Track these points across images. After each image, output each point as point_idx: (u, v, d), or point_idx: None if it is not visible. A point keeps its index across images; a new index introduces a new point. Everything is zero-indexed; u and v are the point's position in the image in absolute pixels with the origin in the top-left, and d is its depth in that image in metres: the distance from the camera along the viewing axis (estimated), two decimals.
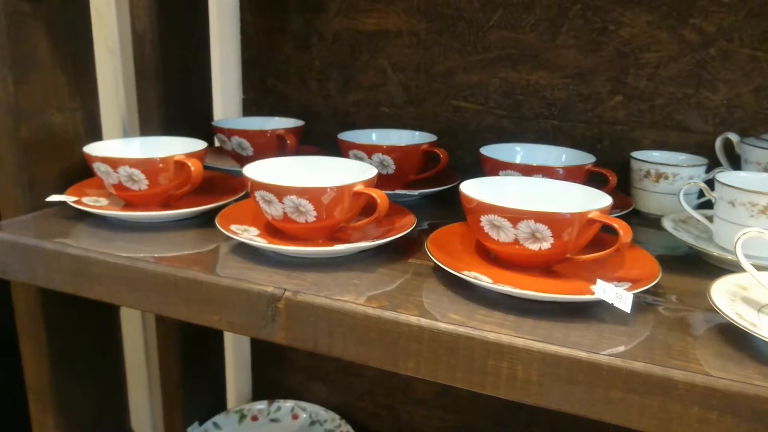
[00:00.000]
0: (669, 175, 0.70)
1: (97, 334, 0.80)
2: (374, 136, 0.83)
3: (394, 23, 0.89)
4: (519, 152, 0.76)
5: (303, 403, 1.09)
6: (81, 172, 0.73)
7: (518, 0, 0.81)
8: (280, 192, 0.54)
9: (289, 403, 1.09)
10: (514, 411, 0.97)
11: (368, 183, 0.57)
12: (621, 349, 0.42)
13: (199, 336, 1.03)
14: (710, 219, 0.62)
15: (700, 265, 0.59)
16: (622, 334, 0.45)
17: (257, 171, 0.60)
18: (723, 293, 0.47)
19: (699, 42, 0.75)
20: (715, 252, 0.57)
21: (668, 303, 0.50)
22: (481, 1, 0.83)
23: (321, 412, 1.08)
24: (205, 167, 0.82)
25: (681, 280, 0.55)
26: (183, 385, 1.01)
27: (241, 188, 0.73)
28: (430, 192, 0.76)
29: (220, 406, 1.13)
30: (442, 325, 0.45)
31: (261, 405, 1.08)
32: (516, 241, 0.50)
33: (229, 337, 1.14)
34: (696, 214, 0.62)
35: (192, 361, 1.01)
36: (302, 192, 0.54)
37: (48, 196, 0.68)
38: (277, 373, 1.14)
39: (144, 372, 1.20)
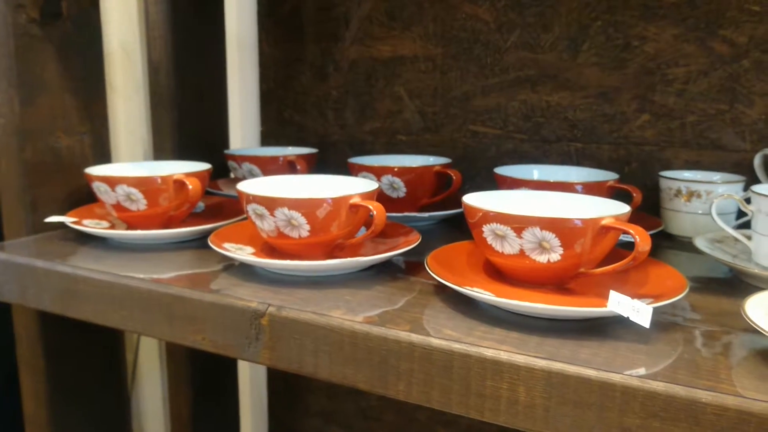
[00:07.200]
0: (701, 192, 0.64)
1: (99, 366, 0.77)
2: (386, 160, 0.80)
3: (410, 49, 0.87)
4: (535, 172, 0.72)
5: None
6: (87, 195, 0.72)
7: (536, 19, 0.79)
8: (270, 204, 0.51)
9: None
10: None
11: (366, 196, 0.54)
12: (639, 367, 0.36)
13: (212, 379, 0.99)
14: (750, 238, 0.56)
15: (741, 288, 0.52)
16: (641, 352, 0.39)
17: (253, 186, 0.58)
18: (763, 307, 0.41)
19: (731, 54, 0.70)
20: (756, 270, 0.51)
21: (699, 322, 0.44)
22: (498, 22, 0.81)
23: None
24: (216, 193, 0.81)
25: (716, 301, 0.49)
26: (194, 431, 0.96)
27: None
28: (443, 215, 0.72)
29: None
30: (435, 341, 0.40)
31: None
32: (522, 253, 0.45)
33: (244, 381, 1.10)
34: (732, 231, 0.56)
35: (203, 405, 0.97)
36: (293, 204, 0.51)
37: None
38: (294, 417, 1.08)
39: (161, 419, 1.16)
